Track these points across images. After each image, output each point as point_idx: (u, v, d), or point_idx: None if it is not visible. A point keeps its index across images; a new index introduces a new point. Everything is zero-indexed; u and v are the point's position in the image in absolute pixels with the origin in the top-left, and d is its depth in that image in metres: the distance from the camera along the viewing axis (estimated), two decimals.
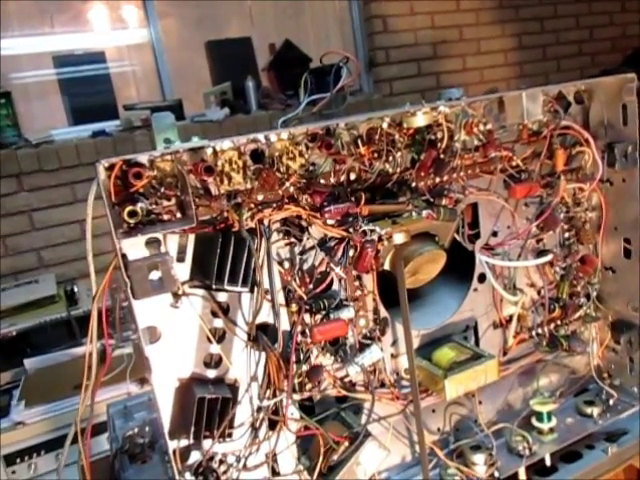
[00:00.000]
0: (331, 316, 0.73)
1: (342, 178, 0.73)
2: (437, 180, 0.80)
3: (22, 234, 2.28)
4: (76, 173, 2.31)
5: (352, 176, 0.73)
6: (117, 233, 0.58)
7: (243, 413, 0.72)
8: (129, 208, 0.57)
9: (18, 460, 1.61)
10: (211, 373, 0.70)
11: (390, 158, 0.74)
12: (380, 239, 0.70)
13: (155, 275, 0.58)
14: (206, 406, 0.66)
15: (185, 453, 0.69)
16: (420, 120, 0.72)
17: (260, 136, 0.66)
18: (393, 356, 0.83)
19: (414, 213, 0.74)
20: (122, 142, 2.39)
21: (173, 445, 0.68)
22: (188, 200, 0.60)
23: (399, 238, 0.72)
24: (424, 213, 0.73)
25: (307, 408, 0.76)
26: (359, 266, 0.71)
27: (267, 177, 0.66)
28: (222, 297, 0.69)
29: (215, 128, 2.54)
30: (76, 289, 2.04)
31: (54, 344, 1.95)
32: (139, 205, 0.58)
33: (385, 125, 0.73)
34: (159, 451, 1.05)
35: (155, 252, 0.62)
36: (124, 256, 0.59)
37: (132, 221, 0.58)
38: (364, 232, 0.69)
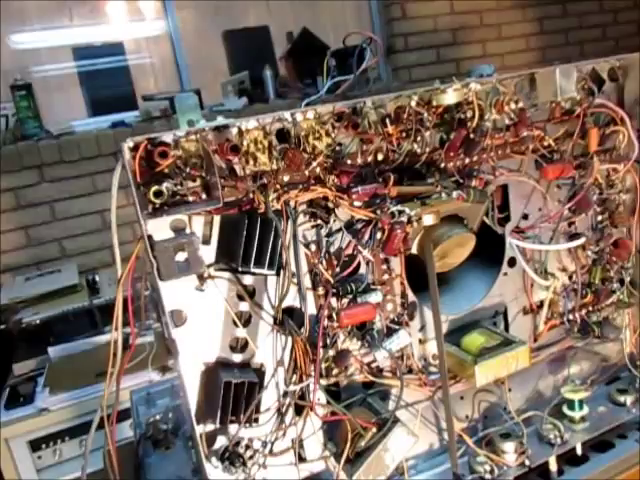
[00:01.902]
0: (358, 300, 0.71)
1: (369, 158, 0.71)
2: (466, 161, 0.77)
3: (44, 225, 2.30)
4: (96, 164, 2.32)
5: (379, 156, 0.71)
6: (143, 214, 0.57)
7: (269, 398, 0.71)
8: (155, 188, 0.56)
9: (43, 446, 1.63)
10: (237, 357, 0.69)
11: (418, 138, 0.72)
12: (409, 221, 0.68)
13: (181, 256, 0.57)
14: (232, 391, 0.65)
15: (211, 438, 0.69)
16: (450, 97, 0.70)
17: (286, 114, 0.64)
18: (421, 342, 0.81)
19: (443, 194, 0.72)
20: (141, 132, 2.36)
21: (200, 430, 0.67)
22: (214, 180, 0.58)
23: (429, 220, 0.70)
24: (454, 194, 0.71)
25: (333, 393, 0.75)
26: (387, 249, 0.69)
27: (293, 157, 0.64)
28: (248, 280, 0.68)
29: (233, 118, 2.53)
30: (97, 278, 2.05)
31: (77, 333, 1.97)
32: (164, 185, 0.57)
33: (413, 103, 0.71)
34: (182, 437, 1.05)
35: (181, 233, 0.61)
36: (150, 237, 0.58)
37: (158, 201, 0.56)
38: (392, 213, 0.67)
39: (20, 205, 2.26)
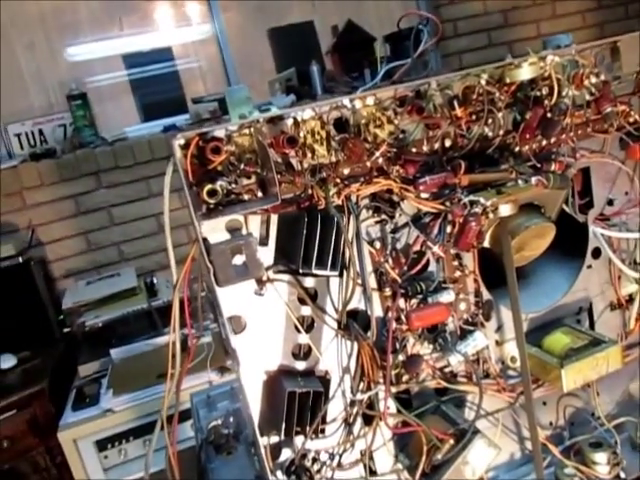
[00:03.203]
0: (429, 300, 0.65)
1: (436, 145, 0.65)
2: (544, 143, 0.70)
3: (102, 229, 2.36)
4: (150, 168, 2.35)
5: (447, 142, 0.65)
6: (196, 215, 0.54)
7: (335, 407, 0.66)
8: (208, 187, 0.52)
9: (109, 446, 1.66)
10: (300, 365, 0.64)
11: (490, 120, 0.65)
12: (484, 212, 0.62)
13: (239, 260, 0.53)
14: (297, 401, 0.61)
15: (276, 450, 0.65)
16: (526, 72, 0.63)
17: (345, 101, 0.59)
18: (498, 343, 0.74)
19: (520, 181, 0.65)
20: None
21: (263, 442, 0.63)
22: (271, 176, 0.54)
23: (506, 210, 0.63)
24: (533, 180, 0.64)
25: (404, 401, 0.69)
26: (461, 243, 0.63)
27: (354, 148, 0.59)
28: (309, 282, 0.63)
29: None
30: (155, 281, 2.08)
31: (137, 334, 2.00)
32: (218, 183, 0.53)
33: (483, 82, 0.64)
34: (244, 442, 1.03)
35: (237, 235, 0.57)
36: (205, 240, 0.54)
37: (212, 201, 0.53)
38: (465, 205, 0.61)
39: (80, 211, 2.32)
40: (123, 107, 2.74)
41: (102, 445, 1.66)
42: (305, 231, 0.58)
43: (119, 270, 2.28)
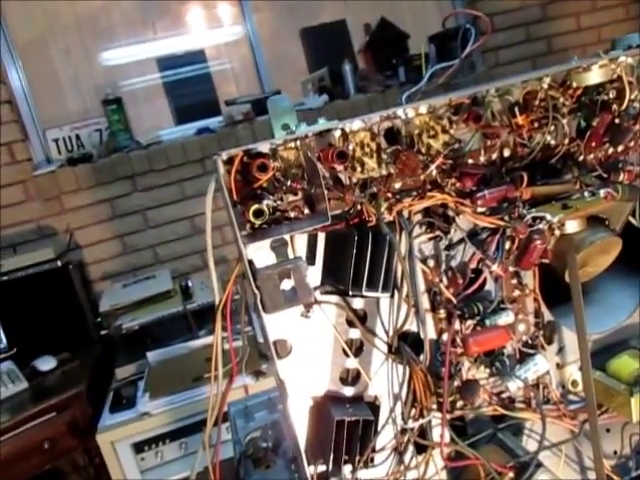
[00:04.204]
0: (486, 322, 0.60)
1: (494, 156, 0.60)
2: (610, 151, 0.64)
3: (138, 232, 2.37)
4: (184, 171, 2.35)
5: (506, 152, 0.60)
6: (242, 236, 0.50)
7: (386, 435, 0.62)
8: (255, 207, 0.49)
9: (146, 448, 1.66)
10: (348, 391, 0.61)
11: (552, 127, 0.60)
12: (550, 228, 0.57)
13: (287, 284, 0.49)
14: (345, 429, 0.57)
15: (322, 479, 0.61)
16: (595, 76, 0.57)
17: (399, 111, 0.55)
18: (559, 366, 0.69)
19: (586, 193, 0.60)
20: (225, 137, 2.39)
21: (310, 471, 0.60)
22: (319, 192, 0.50)
23: (573, 226, 0.58)
24: (602, 192, 0.59)
25: (457, 428, 0.65)
26: (524, 262, 0.58)
27: (407, 160, 0.55)
28: (358, 303, 0.59)
29: (315, 116, 2.47)
30: (190, 284, 2.07)
31: (172, 337, 2.00)
32: (265, 202, 0.50)
33: (546, 86, 0.59)
34: (282, 455, 1.00)
35: (283, 256, 0.54)
36: (250, 262, 0.51)
37: (258, 222, 0.49)
38: (529, 221, 0.56)
39: (115, 215, 2.34)
40: (157, 110, 2.75)
41: (139, 447, 1.67)
42: (355, 250, 0.55)
43: (154, 272, 2.29)
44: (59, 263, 2.05)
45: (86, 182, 2.27)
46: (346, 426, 0.57)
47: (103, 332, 1.99)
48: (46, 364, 1.87)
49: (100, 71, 2.65)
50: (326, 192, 0.53)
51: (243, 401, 1.30)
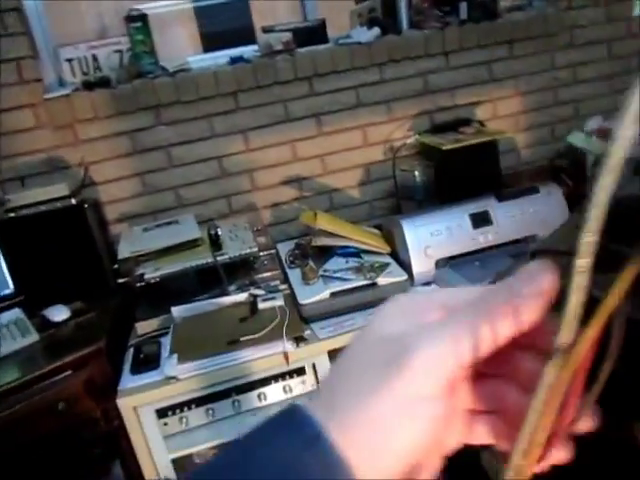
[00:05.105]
0: None
1: None
2: None
3: (160, 171, 2.11)
4: (214, 104, 2.07)
5: None
6: None
7: None
8: None
9: (170, 413, 1.51)
10: None
11: None
12: None
13: None
14: None
15: None
16: None
17: None
18: None
19: None
20: (262, 69, 2.09)
21: None
22: None
23: None
24: None
25: None
26: None
27: None
28: None
29: (364, 52, 2.17)
30: (220, 232, 1.83)
31: (199, 292, 1.79)
32: None
33: None
34: None
35: None
36: None
37: None
38: None
39: (136, 150, 2.07)
40: (184, 34, 2.45)
41: (162, 412, 1.50)
42: None
43: (177, 217, 2.05)
44: (73, 201, 1.80)
45: (104, 110, 1.98)
46: None
47: (121, 280, 1.76)
48: (58, 314, 1.64)
49: None
50: None
51: None
